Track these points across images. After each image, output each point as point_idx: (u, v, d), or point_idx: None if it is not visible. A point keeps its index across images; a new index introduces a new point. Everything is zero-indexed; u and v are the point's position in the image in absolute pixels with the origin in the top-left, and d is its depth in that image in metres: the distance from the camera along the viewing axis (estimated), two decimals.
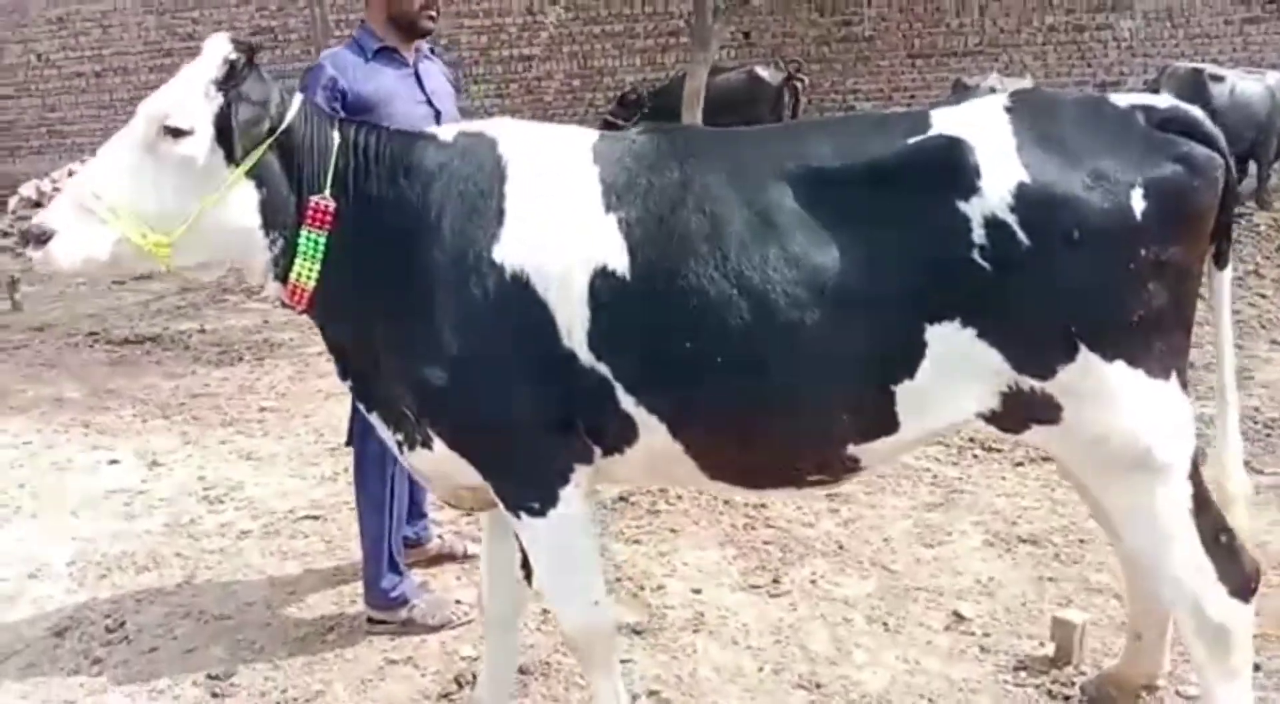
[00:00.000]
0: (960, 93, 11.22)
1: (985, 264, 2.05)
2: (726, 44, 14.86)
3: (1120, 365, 2.08)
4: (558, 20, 13.18)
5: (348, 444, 3.38)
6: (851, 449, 2.21)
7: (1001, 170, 2.05)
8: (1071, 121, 2.14)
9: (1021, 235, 2.03)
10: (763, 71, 13.09)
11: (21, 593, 3.81)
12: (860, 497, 4.27)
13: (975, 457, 4.62)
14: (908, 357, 2.11)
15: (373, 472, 3.25)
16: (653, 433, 2.24)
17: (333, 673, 3.17)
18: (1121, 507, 2.24)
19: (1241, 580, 2.21)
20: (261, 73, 2.31)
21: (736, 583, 3.61)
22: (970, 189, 2.05)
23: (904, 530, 3.96)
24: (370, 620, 3.39)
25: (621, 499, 4.29)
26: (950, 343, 2.10)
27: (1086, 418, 2.12)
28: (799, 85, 13.11)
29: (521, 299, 2.19)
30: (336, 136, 2.35)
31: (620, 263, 2.16)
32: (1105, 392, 2.09)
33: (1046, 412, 2.13)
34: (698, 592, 3.54)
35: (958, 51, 14.54)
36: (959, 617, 3.29)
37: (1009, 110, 2.15)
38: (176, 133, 2.19)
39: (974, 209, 2.05)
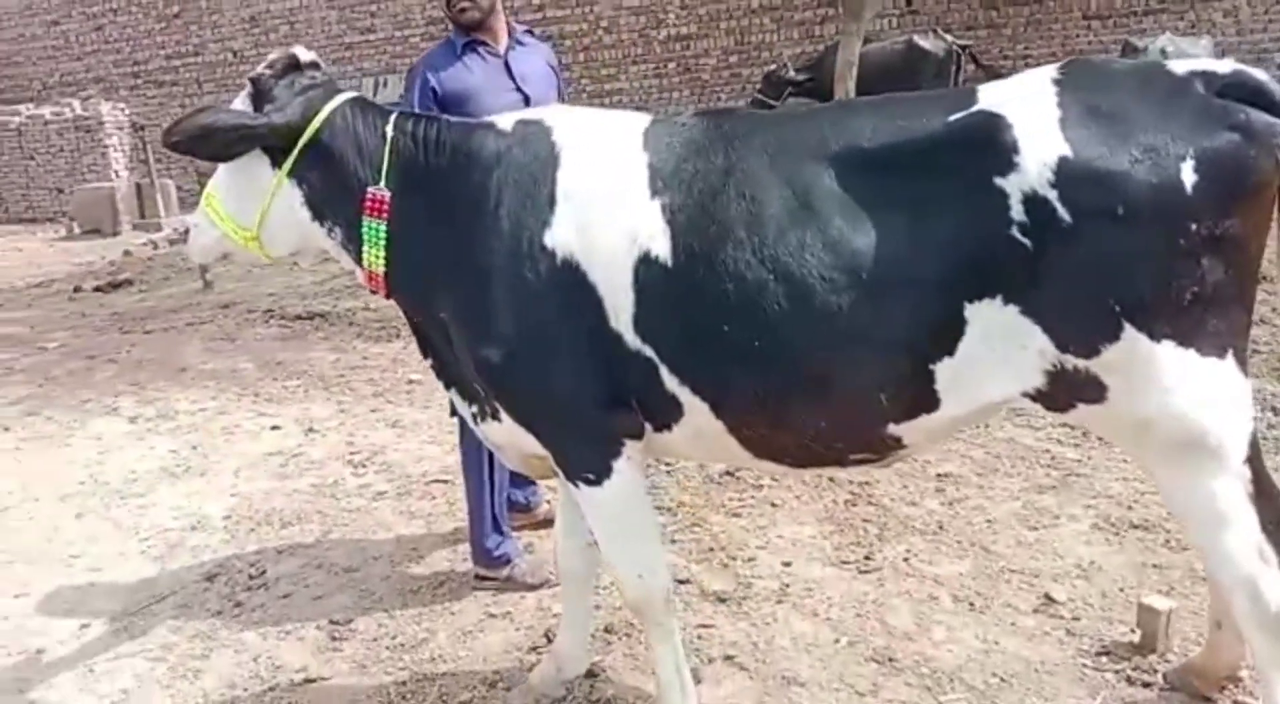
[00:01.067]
0: (1129, 55, 10.60)
1: (1025, 240, 2.02)
2: (888, 13, 14.52)
3: (1169, 344, 2.02)
4: None
5: (452, 415, 3.62)
6: (892, 428, 2.23)
7: (1042, 145, 2.02)
8: (1122, 92, 2.08)
9: (1063, 211, 1.99)
10: (922, 41, 12.64)
11: (183, 542, 4.27)
12: (971, 477, 4.23)
13: (1100, 439, 4.46)
14: (947, 335, 2.11)
15: (472, 440, 3.46)
16: (697, 412, 2.32)
17: (438, 623, 3.44)
18: (1174, 490, 2.18)
19: None
20: (294, 83, 2.53)
21: (828, 558, 3.65)
22: (1008, 164, 2.03)
23: (1010, 512, 3.90)
24: (477, 577, 3.64)
25: (728, 473, 4.39)
26: (993, 320, 2.08)
27: (1134, 398, 2.07)
28: (968, 53, 12.65)
29: (572, 282, 2.31)
30: (390, 131, 2.53)
31: (663, 248, 2.24)
32: (1153, 371, 2.03)
33: (1092, 391, 2.09)
34: (788, 565, 3.61)
35: (1137, 10, 13.61)
36: (1050, 600, 3.24)
37: (1057, 82, 2.11)
38: None
39: (1012, 185, 2.02)
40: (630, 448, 2.42)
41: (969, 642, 3.06)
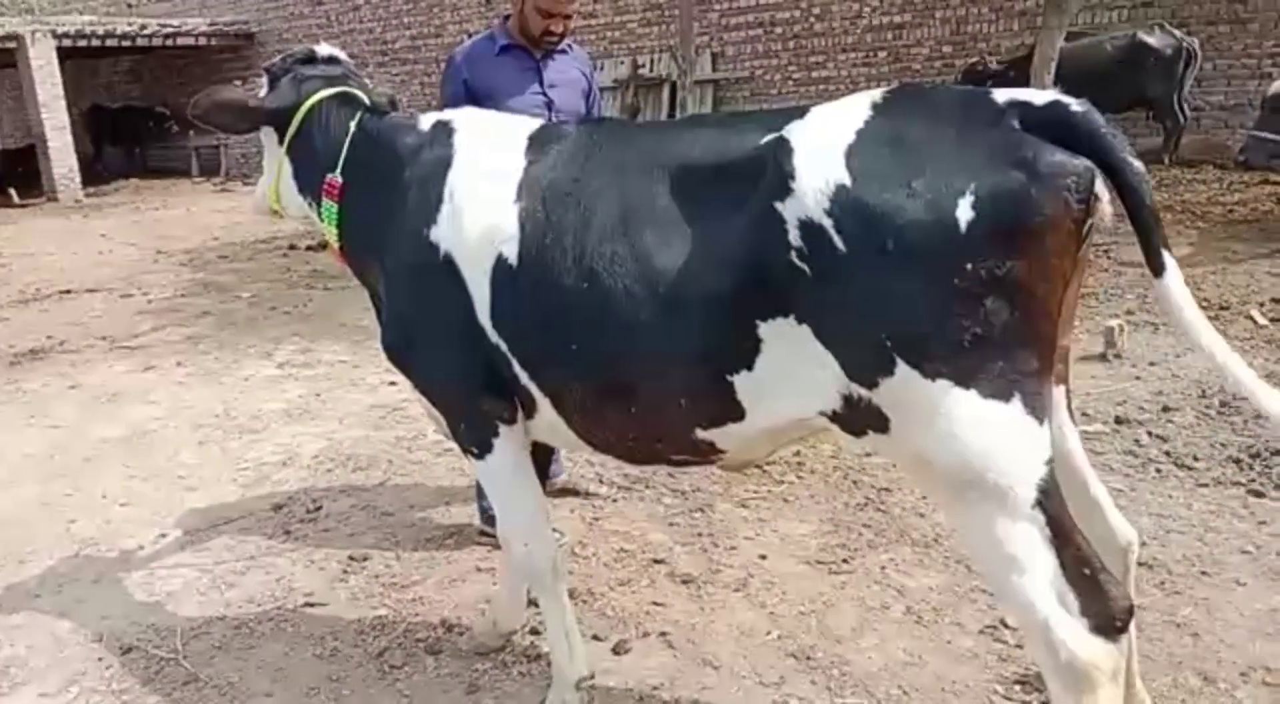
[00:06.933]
0: None
1: (804, 266, 2.01)
2: (1118, 5, 13.56)
3: (944, 384, 1.95)
4: None
5: None
6: (701, 434, 2.32)
7: (820, 173, 1.99)
8: (932, 121, 2.01)
9: (837, 241, 1.96)
10: (1148, 36, 11.77)
11: (270, 476, 4.87)
12: None
13: (1158, 472, 4.22)
14: (741, 349, 2.15)
15: None
16: (542, 404, 2.54)
17: (433, 570, 3.79)
18: (961, 529, 2.15)
19: (1107, 616, 2.01)
20: (298, 75, 2.96)
21: (808, 556, 3.71)
22: (786, 190, 2.03)
23: None
24: (480, 533, 3.97)
25: (757, 467, 4.49)
26: (789, 338, 2.09)
27: (911, 434, 2.03)
28: (1193, 52, 11.69)
29: (449, 275, 2.54)
30: (353, 126, 2.87)
31: (511, 250, 2.43)
32: (929, 409, 1.98)
33: (876, 421, 2.07)
34: (763, 557, 3.71)
35: None
36: (1003, 625, 3.17)
37: (875, 106, 2.06)
38: None
39: (789, 210, 2.02)
40: (505, 429, 2.65)
41: (894, 653, 3.07)
